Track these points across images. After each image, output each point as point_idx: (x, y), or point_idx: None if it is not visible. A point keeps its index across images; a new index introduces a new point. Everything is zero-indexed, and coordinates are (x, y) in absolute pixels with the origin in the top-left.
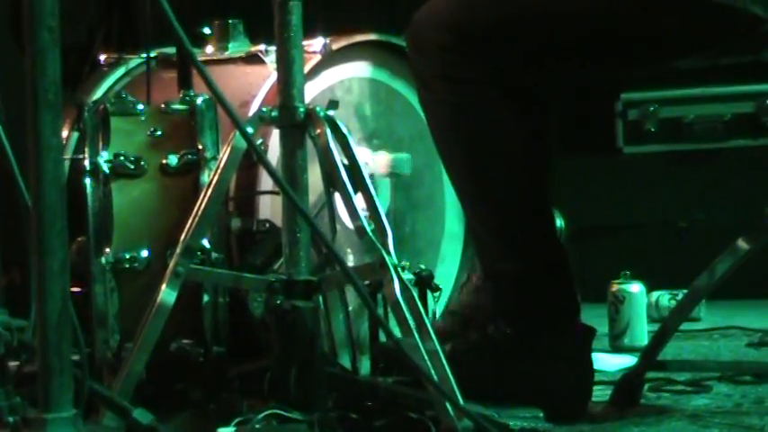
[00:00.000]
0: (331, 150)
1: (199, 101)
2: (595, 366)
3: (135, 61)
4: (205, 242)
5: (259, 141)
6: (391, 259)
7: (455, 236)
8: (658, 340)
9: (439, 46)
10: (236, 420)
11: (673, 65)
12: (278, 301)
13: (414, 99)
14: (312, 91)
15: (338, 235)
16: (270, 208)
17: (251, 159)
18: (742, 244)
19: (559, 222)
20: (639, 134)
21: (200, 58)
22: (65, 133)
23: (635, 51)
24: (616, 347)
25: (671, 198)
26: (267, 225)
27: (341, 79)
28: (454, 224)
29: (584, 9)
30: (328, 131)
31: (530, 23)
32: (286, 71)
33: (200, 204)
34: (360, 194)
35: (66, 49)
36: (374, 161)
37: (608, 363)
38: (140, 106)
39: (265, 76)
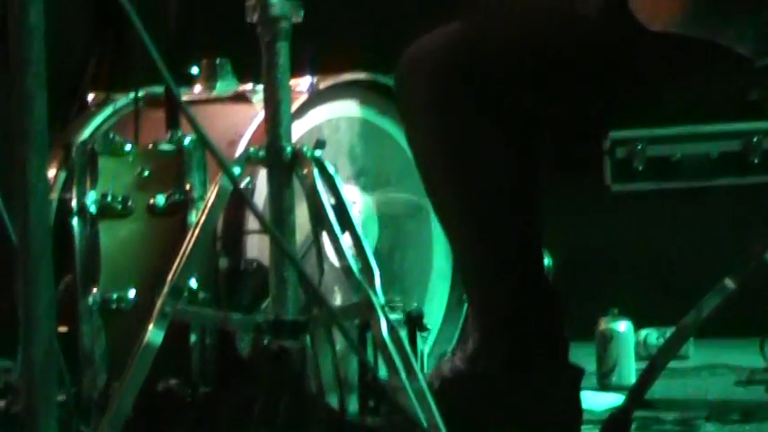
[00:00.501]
0: (318, 190)
1: (186, 141)
2: (583, 406)
3: (123, 101)
4: (192, 282)
5: (246, 181)
6: (378, 299)
7: (443, 274)
8: (646, 378)
9: (427, 84)
10: None
11: (655, 106)
12: (265, 342)
13: (401, 137)
14: (299, 130)
15: (326, 274)
16: (258, 247)
17: (239, 198)
18: (729, 283)
19: (548, 261)
20: (627, 172)
21: (188, 98)
22: (52, 173)
23: (621, 88)
24: (604, 386)
25: (659, 235)
26: (255, 264)
27: (328, 118)
28: (442, 262)
29: (570, 45)
30: (315, 171)
31: (519, 61)
32: (273, 111)
33: (188, 244)
34: (347, 234)
35: (54, 87)
36: (363, 199)
37: (595, 402)
38: (128, 146)
39: (252, 116)
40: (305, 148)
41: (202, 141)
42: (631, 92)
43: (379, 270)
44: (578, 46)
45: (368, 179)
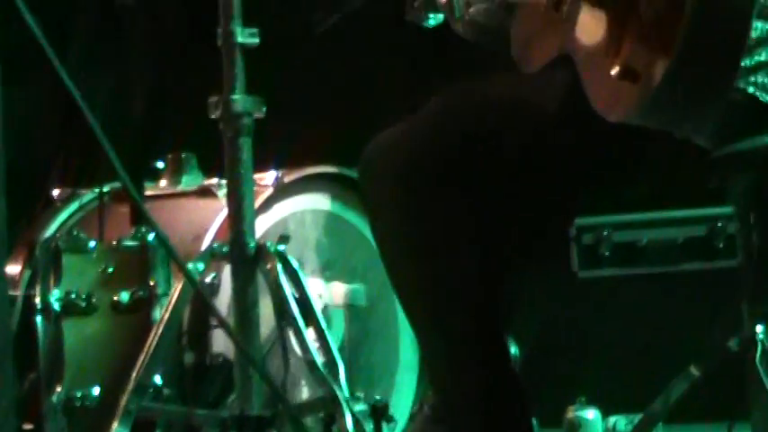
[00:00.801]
0: (281, 285)
1: (151, 237)
2: None
3: (88, 196)
4: (157, 378)
5: (212, 275)
6: (342, 393)
7: (410, 365)
8: None
9: (391, 174)
10: None
11: (618, 193)
12: None
13: (366, 229)
14: (265, 224)
15: (292, 367)
16: (224, 341)
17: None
18: (694, 370)
19: (514, 349)
20: (594, 258)
21: (153, 192)
22: (17, 270)
23: (580, 181)
24: None
25: (626, 322)
26: (221, 359)
27: (294, 211)
28: (409, 354)
29: (530, 137)
30: (279, 266)
31: (480, 155)
32: (236, 207)
33: (152, 341)
34: (311, 328)
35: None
36: (329, 292)
37: None
38: (92, 243)
39: (218, 210)
40: (269, 243)
41: (161, 241)
42: (592, 181)
43: (345, 363)
44: (538, 137)
45: (334, 271)
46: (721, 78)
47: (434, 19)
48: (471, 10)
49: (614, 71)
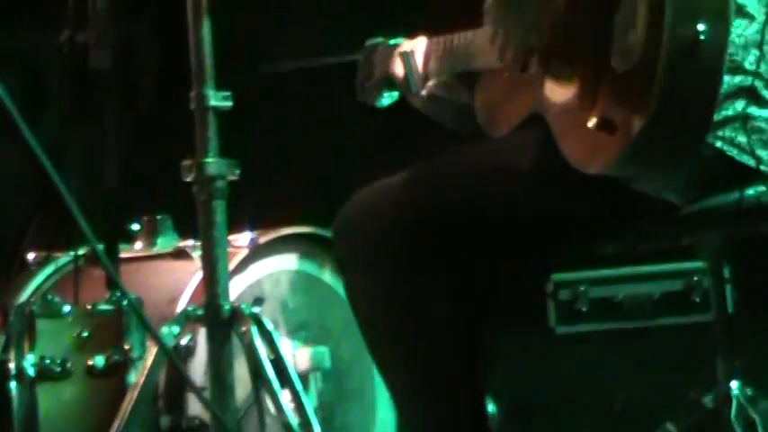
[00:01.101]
0: (256, 348)
1: (125, 300)
2: None
3: (64, 259)
4: None
5: (187, 338)
6: None
7: (387, 425)
8: None
9: (365, 239)
10: None
11: (589, 251)
12: None
13: (341, 289)
14: (240, 285)
15: (269, 429)
16: (200, 403)
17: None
18: (670, 426)
19: (491, 407)
20: (571, 314)
21: (129, 255)
22: None
23: (551, 238)
24: None
25: (604, 377)
26: (197, 422)
27: (269, 272)
28: (386, 413)
29: (503, 196)
30: (254, 329)
31: (455, 212)
32: (211, 270)
33: (127, 405)
34: (286, 390)
35: None
36: (295, 357)
37: None
38: (67, 307)
39: (193, 272)
40: (243, 306)
41: (131, 307)
42: (566, 239)
43: (321, 424)
44: (512, 199)
45: (309, 332)
46: (695, 133)
47: (389, 97)
48: (429, 84)
49: (591, 123)
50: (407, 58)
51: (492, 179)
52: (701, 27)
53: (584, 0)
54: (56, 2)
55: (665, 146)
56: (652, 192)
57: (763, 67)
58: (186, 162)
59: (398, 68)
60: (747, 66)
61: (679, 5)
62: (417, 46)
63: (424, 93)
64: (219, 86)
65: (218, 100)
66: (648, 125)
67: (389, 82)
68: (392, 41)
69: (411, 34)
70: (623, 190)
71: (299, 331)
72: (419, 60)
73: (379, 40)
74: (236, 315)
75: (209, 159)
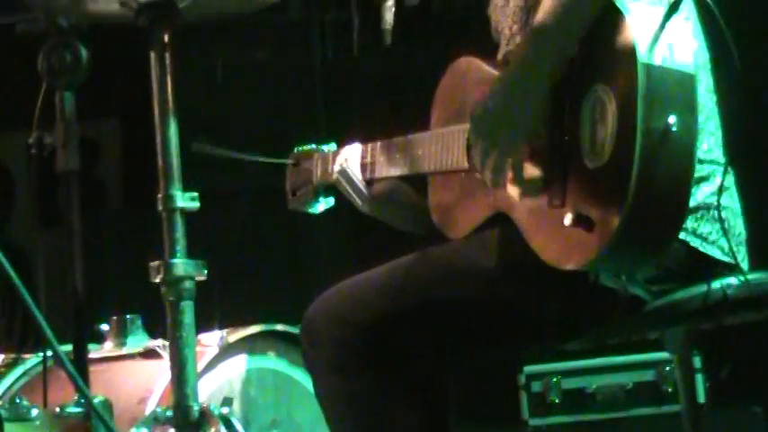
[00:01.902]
0: None
1: (96, 401)
2: None
3: (33, 360)
4: None
5: None
6: None
7: None
8: None
9: (331, 339)
10: None
11: (559, 347)
12: None
13: (311, 386)
14: (210, 384)
15: None
16: None
17: None
18: None
19: None
20: (543, 406)
21: (98, 355)
22: None
23: (520, 336)
24: None
25: None
26: None
27: (239, 371)
28: None
29: (469, 297)
30: (222, 430)
31: (420, 313)
32: (179, 371)
33: None
34: None
35: None
36: None
37: None
38: (34, 411)
39: (163, 371)
40: (212, 407)
41: (94, 412)
42: (530, 337)
43: None
44: (475, 300)
45: (280, 430)
46: (671, 225)
47: (325, 203)
48: (373, 190)
49: (568, 220)
50: (345, 173)
51: (457, 280)
52: (671, 119)
53: (553, 101)
54: (24, 104)
55: (642, 239)
56: (620, 287)
57: (716, 153)
58: (154, 263)
59: (338, 183)
60: (701, 155)
61: (650, 99)
62: (351, 154)
63: (367, 203)
64: (186, 187)
65: (185, 201)
66: (626, 219)
67: (325, 189)
68: (324, 147)
69: (341, 140)
70: (591, 287)
71: (270, 429)
72: (356, 169)
73: (311, 146)
74: (205, 416)
75: (177, 261)
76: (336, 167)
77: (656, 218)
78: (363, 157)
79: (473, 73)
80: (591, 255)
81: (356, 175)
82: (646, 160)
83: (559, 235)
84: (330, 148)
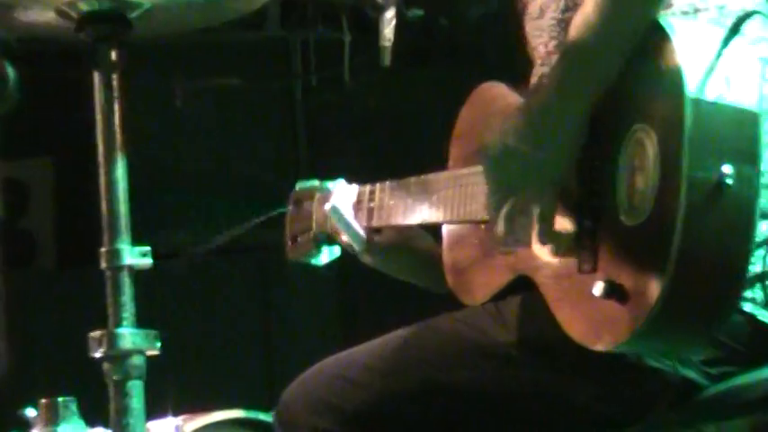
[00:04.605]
0: None
1: None
2: None
3: None
4: None
5: None
6: None
7: None
8: None
9: (311, 428)
10: None
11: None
12: None
13: None
14: None
15: None
16: None
17: None
18: None
19: None
20: None
21: None
22: None
23: (544, 430)
24: None
25: None
26: None
27: None
28: None
29: (482, 380)
30: None
31: (421, 399)
32: None
33: None
34: None
35: None
36: None
37: None
38: None
39: None
40: None
41: None
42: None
43: None
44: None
45: None
46: (724, 296)
47: (329, 254)
48: (376, 239)
49: (598, 290)
50: (337, 211)
51: (468, 359)
52: (726, 169)
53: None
54: None
55: (688, 315)
56: (667, 368)
57: None
58: (95, 333)
59: (332, 227)
60: None
61: (699, 143)
62: (342, 192)
63: (368, 251)
64: (136, 241)
65: (134, 257)
66: (667, 291)
67: (329, 235)
68: (329, 184)
69: (358, 174)
70: (632, 367)
71: None
72: (347, 210)
73: (313, 182)
74: None
75: (123, 330)
76: (327, 206)
77: (706, 288)
78: (360, 201)
79: (499, 101)
80: (623, 334)
81: (350, 213)
82: (691, 218)
83: (588, 307)
84: (335, 185)
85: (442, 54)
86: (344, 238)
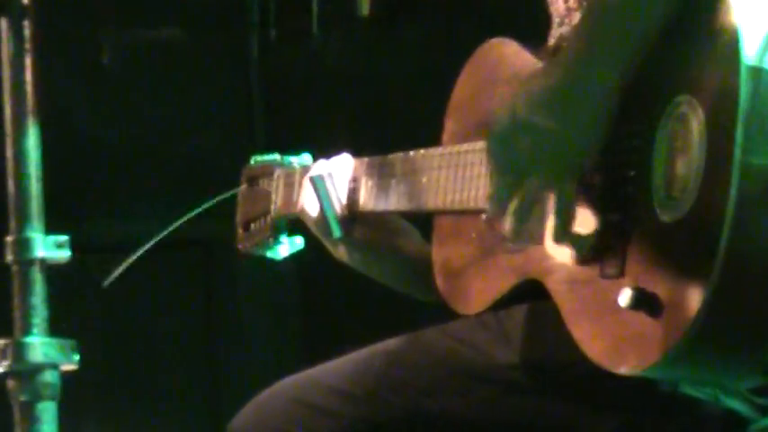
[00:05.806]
0: None
1: None
2: None
3: None
4: None
5: None
6: None
7: None
8: None
9: None
10: None
11: None
12: None
13: None
14: None
15: None
16: None
17: None
18: None
19: None
20: None
21: None
22: None
23: None
24: None
25: None
26: None
27: None
28: None
29: (479, 408)
30: None
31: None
32: None
33: None
34: None
35: None
36: None
37: None
38: None
39: None
40: None
41: None
42: None
43: None
44: (494, 413)
45: None
46: None
47: (289, 244)
48: (358, 226)
49: (624, 299)
50: (320, 185)
51: (462, 382)
52: None
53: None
54: None
55: (735, 331)
56: (707, 397)
57: None
58: None
59: (308, 201)
60: None
61: (756, 122)
62: (340, 167)
63: (345, 244)
64: (52, 229)
65: (48, 248)
66: (710, 302)
67: (291, 221)
68: (292, 158)
69: (327, 151)
70: (663, 396)
71: None
72: (342, 188)
73: (273, 156)
74: None
75: (33, 339)
76: (310, 174)
77: (757, 300)
78: (356, 177)
79: (509, 63)
80: (653, 355)
81: (339, 194)
82: (743, 213)
83: (612, 321)
84: (302, 161)
85: (435, 1)
86: (319, 217)
